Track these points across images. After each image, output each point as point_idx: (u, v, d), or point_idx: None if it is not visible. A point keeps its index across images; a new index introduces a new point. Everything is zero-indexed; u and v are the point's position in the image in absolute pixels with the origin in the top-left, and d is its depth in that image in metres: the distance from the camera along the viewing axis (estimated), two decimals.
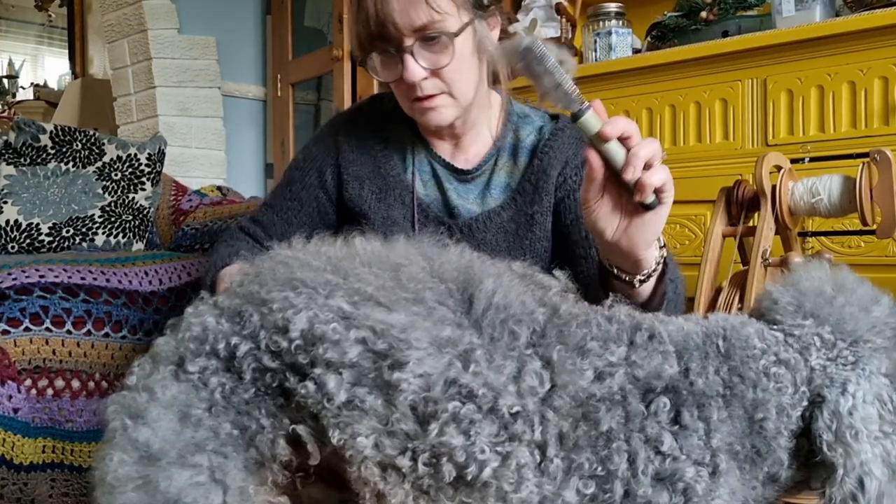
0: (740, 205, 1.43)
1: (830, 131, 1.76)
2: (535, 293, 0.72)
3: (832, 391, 0.68)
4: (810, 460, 0.70)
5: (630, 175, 0.79)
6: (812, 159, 1.51)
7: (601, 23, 2.27)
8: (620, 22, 2.27)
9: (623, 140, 0.80)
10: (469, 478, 0.63)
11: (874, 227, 1.31)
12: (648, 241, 0.86)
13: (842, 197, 1.32)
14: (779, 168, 1.39)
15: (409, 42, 1.02)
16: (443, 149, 1.19)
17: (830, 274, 0.74)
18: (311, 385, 0.64)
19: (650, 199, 0.82)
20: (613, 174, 0.82)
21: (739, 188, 1.44)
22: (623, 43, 2.23)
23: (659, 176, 0.80)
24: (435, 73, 1.05)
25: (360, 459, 0.64)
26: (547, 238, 1.14)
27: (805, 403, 0.69)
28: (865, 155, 1.31)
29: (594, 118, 0.80)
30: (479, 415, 0.63)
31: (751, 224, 1.44)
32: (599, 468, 0.65)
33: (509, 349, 0.67)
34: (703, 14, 2.08)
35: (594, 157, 0.81)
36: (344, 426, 0.63)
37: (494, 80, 1.22)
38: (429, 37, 1.02)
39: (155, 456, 0.64)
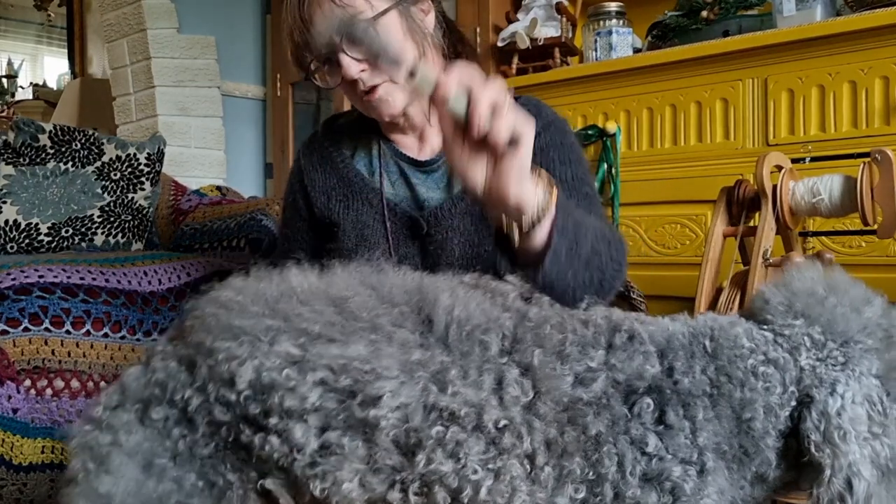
0: (741, 205, 1.43)
1: (831, 131, 1.75)
2: (494, 300, 0.70)
3: (821, 391, 0.67)
4: (799, 461, 0.69)
5: (476, 132, 0.77)
6: (813, 159, 1.51)
7: (601, 22, 2.26)
8: (621, 21, 2.27)
9: (466, 88, 0.78)
10: (465, 500, 0.61)
11: (875, 227, 1.31)
12: (519, 177, 0.81)
13: (843, 197, 1.31)
14: (780, 168, 1.39)
15: (337, 40, 1.06)
16: (407, 145, 1.21)
17: (823, 274, 0.73)
18: (274, 439, 0.61)
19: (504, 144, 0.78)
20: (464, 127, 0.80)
21: (740, 188, 1.43)
22: (623, 42, 2.23)
23: (504, 124, 0.77)
24: (370, 63, 1.08)
25: (348, 503, 0.61)
26: None
27: (794, 403, 0.68)
28: (866, 155, 1.31)
29: (431, 71, 0.78)
30: (464, 434, 0.61)
31: (752, 224, 1.44)
32: (591, 472, 0.64)
33: (483, 361, 0.65)
34: (704, 13, 2.08)
35: (443, 116, 0.79)
36: (324, 475, 0.61)
37: None
38: None
39: None
